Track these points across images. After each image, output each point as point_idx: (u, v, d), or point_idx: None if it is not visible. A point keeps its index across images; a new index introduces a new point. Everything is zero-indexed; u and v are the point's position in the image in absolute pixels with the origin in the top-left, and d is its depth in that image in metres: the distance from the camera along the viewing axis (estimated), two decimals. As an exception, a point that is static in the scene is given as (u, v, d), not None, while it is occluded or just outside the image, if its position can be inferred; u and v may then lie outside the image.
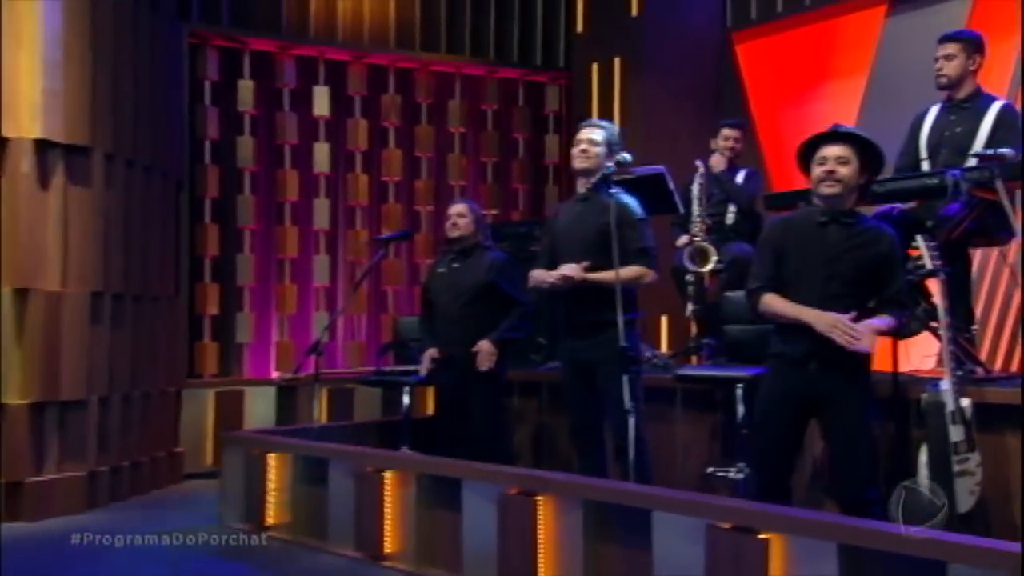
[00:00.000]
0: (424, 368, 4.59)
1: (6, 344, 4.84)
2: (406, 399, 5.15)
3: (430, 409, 6.33)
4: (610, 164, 3.82)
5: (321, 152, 6.85)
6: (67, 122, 5.05)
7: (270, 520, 4.53)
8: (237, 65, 6.65)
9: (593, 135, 3.90)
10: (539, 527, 3.37)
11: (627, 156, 3.80)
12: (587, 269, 3.75)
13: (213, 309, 6.49)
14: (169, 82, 6.06)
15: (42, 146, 4.96)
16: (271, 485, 4.56)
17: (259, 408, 6.32)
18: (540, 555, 3.37)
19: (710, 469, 4.19)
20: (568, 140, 7.30)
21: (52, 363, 4.94)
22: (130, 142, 5.53)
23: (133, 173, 5.58)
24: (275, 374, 6.60)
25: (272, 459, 4.57)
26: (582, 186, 3.96)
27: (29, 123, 4.92)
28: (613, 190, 3.76)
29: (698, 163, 5.26)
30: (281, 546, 4.34)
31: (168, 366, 5.96)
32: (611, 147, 3.88)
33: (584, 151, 3.88)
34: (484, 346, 4.40)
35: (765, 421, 3.29)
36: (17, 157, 4.91)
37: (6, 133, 4.88)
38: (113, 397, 5.33)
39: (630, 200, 3.87)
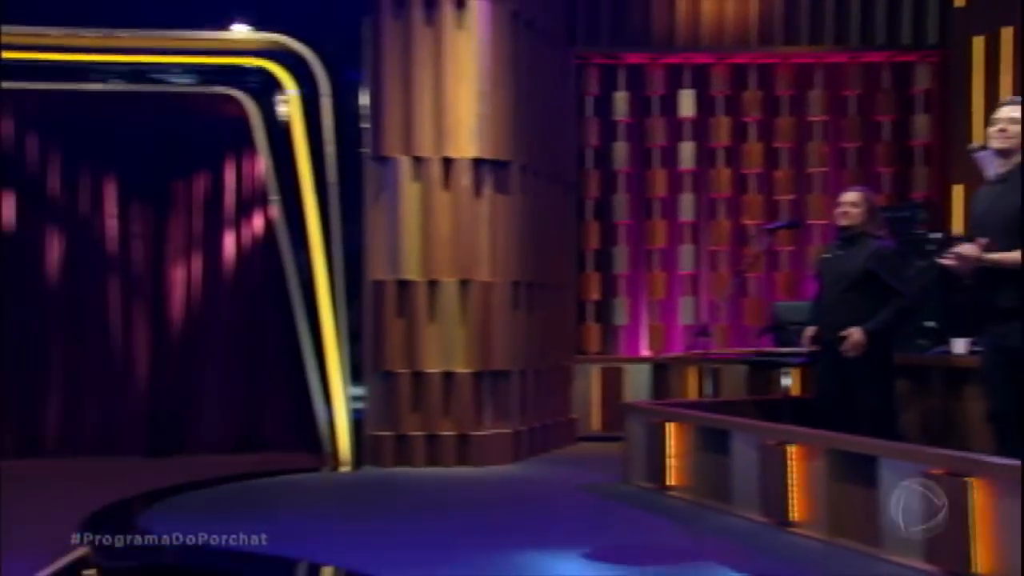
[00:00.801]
0: (805, 346, 4.84)
1: (454, 324, 6.02)
2: (786, 380, 5.58)
3: (795, 390, 6.73)
4: None
5: (686, 150, 7.47)
6: (494, 142, 6.12)
7: (671, 482, 5.17)
8: (612, 79, 7.46)
9: (1015, 113, 3.64)
10: (973, 510, 3.26)
11: None
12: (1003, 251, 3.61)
13: (595, 295, 7.41)
14: (561, 100, 7.03)
15: (476, 163, 6.07)
16: (671, 450, 5.23)
17: (636, 382, 7.15)
18: (976, 540, 3.27)
19: None
20: (941, 118, 7.31)
21: (486, 339, 6.06)
22: (537, 154, 6.53)
23: (539, 181, 6.59)
24: (647, 352, 7.37)
25: (672, 428, 5.24)
26: (1000, 167, 3.73)
27: (467, 144, 6.05)
28: None
29: None
30: (686, 505, 4.92)
31: (562, 344, 6.95)
32: None
33: (1003, 131, 3.65)
34: (854, 334, 4.52)
35: None
36: (459, 173, 6.06)
37: (451, 154, 6.04)
38: (528, 369, 6.38)
39: None
